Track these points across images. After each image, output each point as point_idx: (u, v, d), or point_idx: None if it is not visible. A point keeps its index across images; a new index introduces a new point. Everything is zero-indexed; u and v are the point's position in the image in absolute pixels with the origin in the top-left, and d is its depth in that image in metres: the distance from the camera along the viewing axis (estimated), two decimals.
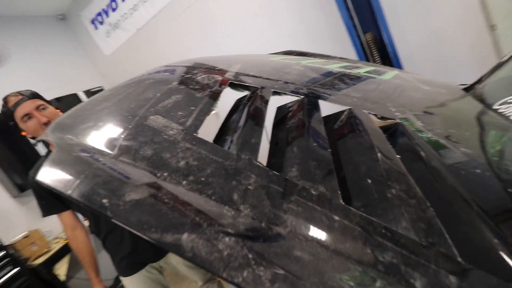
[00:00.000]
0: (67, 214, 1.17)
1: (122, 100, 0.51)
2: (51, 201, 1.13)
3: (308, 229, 0.25)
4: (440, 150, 0.40)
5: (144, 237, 0.21)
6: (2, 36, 2.58)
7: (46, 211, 1.15)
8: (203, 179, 0.30)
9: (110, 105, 0.50)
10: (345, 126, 0.47)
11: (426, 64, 2.09)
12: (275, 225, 0.25)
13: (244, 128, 0.45)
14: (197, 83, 0.59)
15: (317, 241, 0.24)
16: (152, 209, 0.23)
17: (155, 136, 0.38)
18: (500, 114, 0.53)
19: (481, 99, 0.65)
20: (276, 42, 2.53)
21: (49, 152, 1.20)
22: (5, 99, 1.05)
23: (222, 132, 0.49)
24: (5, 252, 1.98)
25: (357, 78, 0.76)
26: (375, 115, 0.50)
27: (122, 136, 0.38)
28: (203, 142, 0.37)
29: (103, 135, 0.39)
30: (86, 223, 1.29)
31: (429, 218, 0.27)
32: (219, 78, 0.63)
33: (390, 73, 0.88)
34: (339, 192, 0.30)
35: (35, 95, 1.08)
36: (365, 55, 1.99)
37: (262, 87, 0.59)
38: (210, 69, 0.70)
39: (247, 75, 0.68)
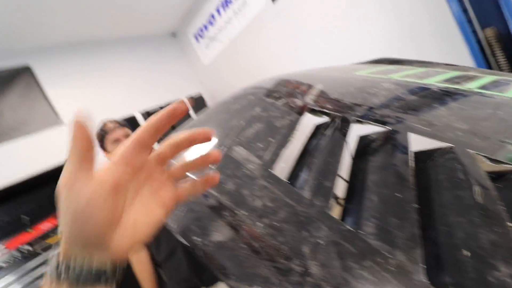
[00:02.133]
0: None
1: (214, 128, 0.59)
2: None
3: None
4: None
5: (223, 281, 0.24)
6: (125, 53, 3.33)
7: None
8: (276, 223, 0.32)
9: None
10: (441, 171, 0.40)
11: None
12: None
13: (319, 165, 0.44)
14: (277, 110, 0.62)
15: None
16: (231, 254, 0.27)
17: (237, 169, 0.43)
18: None
19: None
20: (367, 43, 2.33)
21: None
22: (104, 124, 1.26)
23: (298, 166, 0.49)
24: None
25: (466, 98, 0.63)
26: (485, 157, 0.41)
27: (212, 167, 0.44)
28: (278, 180, 0.39)
29: None
30: None
31: None
32: (299, 103, 0.64)
33: None
34: (423, 265, 0.26)
35: (126, 125, 1.28)
36: (484, 58, 1.60)
37: (342, 115, 0.57)
38: (291, 93, 0.72)
39: (328, 98, 0.67)
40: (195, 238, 0.28)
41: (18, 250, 2.03)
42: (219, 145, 0.51)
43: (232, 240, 0.29)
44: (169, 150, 0.27)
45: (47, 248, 1.92)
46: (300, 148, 0.57)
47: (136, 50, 3.45)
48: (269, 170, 0.41)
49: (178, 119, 0.26)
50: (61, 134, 2.66)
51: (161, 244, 1.22)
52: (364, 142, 0.56)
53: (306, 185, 0.40)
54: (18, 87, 2.58)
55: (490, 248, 0.28)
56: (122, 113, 2.77)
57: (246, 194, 0.37)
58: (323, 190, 0.37)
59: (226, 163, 0.45)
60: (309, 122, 0.67)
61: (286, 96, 0.68)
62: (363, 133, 0.60)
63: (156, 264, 1.28)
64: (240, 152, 0.47)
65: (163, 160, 0.27)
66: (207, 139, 0.28)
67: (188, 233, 0.29)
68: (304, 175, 0.44)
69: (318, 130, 0.63)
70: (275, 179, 0.39)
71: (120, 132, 1.22)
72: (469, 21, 1.59)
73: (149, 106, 2.85)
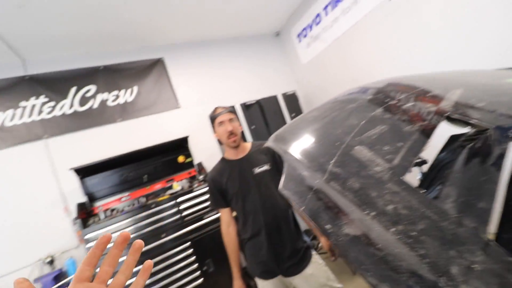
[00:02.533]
0: (226, 211, 1.41)
1: (329, 124, 0.58)
2: (218, 198, 1.39)
3: None
4: None
5: (361, 275, 0.24)
6: (235, 50, 3.68)
7: (214, 204, 1.43)
8: (414, 233, 0.29)
9: (319, 127, 0.58)
10: None
11: None
12: None
13: (465, 182, 0.38)
14: (404, 113, 0.56)
15: None
16: (367, 251, 0.26)
17: (361, 169, 0.41)
18: None
19: None
20: (501, 42, 1.83)
21: (223, 159, 1.43)
22: (216, 108, 1.45)
23: (430, 177, 0.44)
24: None
25: None
26: None
27: (331, 161, 0.44)
28: (413, 189, 0.36)
29: (315, 156, 0.47)
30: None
31: None
32: (433, 108, 0.56)
33: None
34: None
35: (231, 111, 1.42)
36: None
37: (498, 129, 0.46)
38: (421, 95, 0.64)
39: (473, 107, 0.56)
40: (327, 226, 0.29)
41: (137, 200, 2.58)
42: (336, 140, 0.50)
43: (364, 237, 0.28)
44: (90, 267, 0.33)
45: (158, 203, 2.38)
46: (432, 159, 0.50)
47: (244, 48, 3.79)
48: (401, 177, 0.38)
49: (105, 247, 0.33)
50: (178, 116, 3.21)
51: (247, 223, 1.33)
52: None
53: (447, 201, 0.35)
54: (153, 75, 3.24)
55: None
56: (226, 103, 3.11)
57: (374, 196, 0.35)
58: (476, 211, 0.31)
59: (348, 160, 0.44)
60: (441, 132, 0.57)
61: (416, 99, 0.61)
62: None
63: (241, 241, 1.40)
64: (362, 152, 0.45)
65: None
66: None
67: (319, 220, 0.30)
68: (443, 189, 0.38)
69: (456, 140, 0.53)
70: (409, 187, 0.36)
71: (225, 116, 1.38)
72: None
73: (247, 99, 3.09)
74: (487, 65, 1.92)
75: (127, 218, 2.28)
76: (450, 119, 0.55)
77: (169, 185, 2.78)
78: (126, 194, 2.67)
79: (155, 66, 3.27)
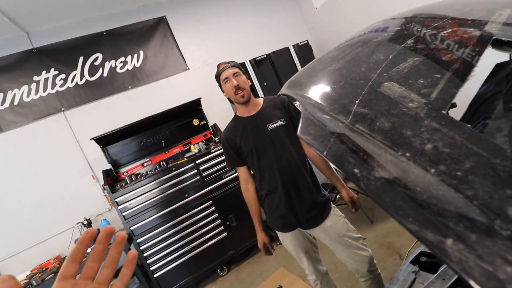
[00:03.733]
0: (243, 169, 1.40)
1: (351, 62, 0.51)
2: (234, 157, 1.36)
3: None
4: None
5: (399, 222, 0.21)
6: (240, 2, 3.36)
7: (230, 163, 1.41)
8: (459, 173, 0.25)
9: (339, 66, 0.51)
10: None
11: None
12: None
13: None
14: (441, 41, 0.47)
15: None
16: (404, 196, 0.22)
17: (391, 106, 0.35)
18: None
19: None
20: None
21: (235, 117, 1.38)
22: (218, 65, 1.35)
23: (474, 110, 0.37)
24: None
25: None
26: None
27: (356, 101, 0.38)
28: (456, 124, 0.30)
29: (336, 98, 0.42)
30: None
31: None
32: (476, 33, 0.47)
33: None
34: None
35: (235, 65, 1.32)
36: None
37: None
38: (460, 20, 0.53)
39: None
40: (356, 171, 0.25)
41: (158, 164, 2.68)
42: (360, 79, 0.44)
43: (399, 180, 0.24)
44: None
45: (177, 166, 2.47)
46: (475, 90, 0.43)
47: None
48: (441, 111, 0.32)
49: (90, 242, 0.32)
50: (188, 78, 3.12)
51: (264, 180, 1.33)
52: None
53: (498, 134, 0.30)
54: (158, 37, 3.08)
55: None
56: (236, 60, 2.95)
57: (409, 135, 0.30)
58: None
59: (375, 99, 0.38)
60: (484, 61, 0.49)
61: (454, 26, 0.51)
62: None
63: (259, 197, 1.43)
64: (393, 88, 0.38)
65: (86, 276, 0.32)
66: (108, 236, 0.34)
67: (344, 164, 0.26)
68: (491, 123, 0.32)
69: (502, 68, 0.45)
70: (453, 122, 0.30)
71: (229, 71, 1.29)
72: None
73: (257, 54, 2.91)
74: None
75: (151, 182, 2.40)
76: (499, 43, 0.46)
77: (186, 148, 2.83)
78: (147, 159, 2.77)
79: (158, 26, 3.10)
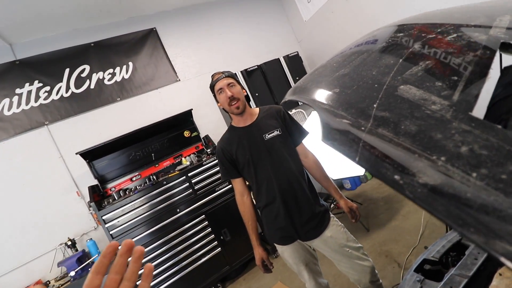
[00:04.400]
0: (239, 181, 1.35)
1: (359, 66, 0.49)
2: (230, 168, 1.32)
3: None
4: None
5: (457, 231, 0.18)
6: (230, 14, 3.41)
7: (225, 175, 1.35)
8: (503, 176, 0.23)
9: (348, 71, 0.50)
10: None
11: None
12: None
13: None
14: (448, 45, 0.47)
15: None
16: (457, 203, 0.20)
17: (414, 109, 0.34)
18: None
19: None
20: None
21: (231, 128, 1.34)
22: (213, 75, 1.33)
23: (497, 109, 0.36)
24: None
25: None
26: None
27: (374, 105, 0.37)
28: (487, 125, 0.28)
29: (351, 102, 0.40)
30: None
31: None
32: (483, 37, 0.47)
33: None
34: None
35: (230, 75, 1.30)
36: None
37: None
38: (463, 26, 0.54)
39: None
40: (396, 177, 0.23)
41: (148, 178, 2.59)
42: (373, 83, 0.42)
43: (447, 186, 0.21)
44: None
45: (168, 179, 2.38)
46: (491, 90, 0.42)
47: (240, 10, 3.52)
48: (468, 113, 0.30)
49: (113, 255, 0.34)
50: (179, 90, 3.08)
51: (261, 192, 1.29)
52: None
53: None
54: (147, 48, 3.06)
55: None
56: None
57: (440, 138, 0.28)
58: None
59: (394, 102, 0.36)
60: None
61: (457, 30, 0.51)
62: None
63: (257, 209, 1.37)
64: (411, 91, 0.37)
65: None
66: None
67: (382, 171, 0.24)
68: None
69: (507, 74, 0.45)
70: (482, 124, 0.29)
71: (223, 82, 1.26)
72: None
73: (248, 65, 2.93)
74: None
75: (141, 197, 2.30)
76: (506, 47, 0.46)
77: (177, 161, 2.76)
78: (136, 173, 2.67)
79: (148, 37, 3.08)
